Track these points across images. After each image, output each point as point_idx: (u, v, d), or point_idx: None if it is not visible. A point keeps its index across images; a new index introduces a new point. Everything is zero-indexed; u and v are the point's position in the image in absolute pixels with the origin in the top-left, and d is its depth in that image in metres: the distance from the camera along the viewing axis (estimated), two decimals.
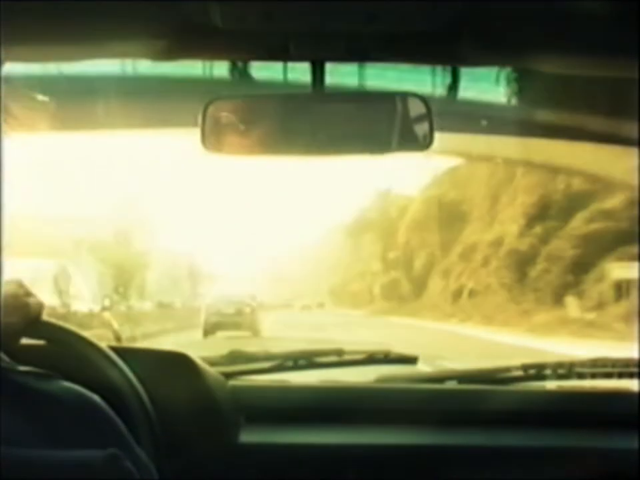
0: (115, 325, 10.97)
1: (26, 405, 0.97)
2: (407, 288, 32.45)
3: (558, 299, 21.49)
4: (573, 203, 22.90)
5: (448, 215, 30.28)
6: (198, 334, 16.91)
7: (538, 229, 23.94)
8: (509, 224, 25.79)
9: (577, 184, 21.98)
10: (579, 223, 22.58)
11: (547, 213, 24.02)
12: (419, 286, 31.51)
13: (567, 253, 22.30)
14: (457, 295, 27.29)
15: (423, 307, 29.08)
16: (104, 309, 11.09)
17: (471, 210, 30.42)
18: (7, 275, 1.08)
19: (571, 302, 20.92)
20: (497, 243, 25.72)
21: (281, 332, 16.59)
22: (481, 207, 29.44)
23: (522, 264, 23.53)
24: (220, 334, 16.98)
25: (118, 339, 10.51)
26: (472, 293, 26.22)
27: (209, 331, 17.34)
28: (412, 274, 32.24)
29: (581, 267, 21.62)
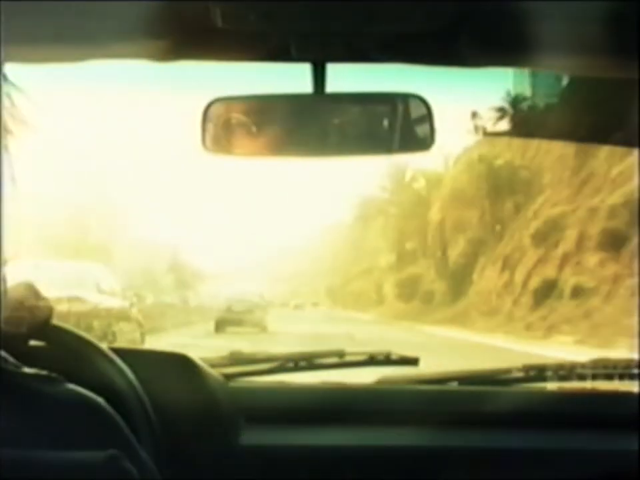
0: (140, 319, 12.84)
1: (29, 406, 0.97)
2: (439, 284, 24.19)
3: None
4: None
5: (502, 182, 21.66)
6: (210, 328, 18.53)
7: None
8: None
9: None
10: None
11: None
12: (458, 281, 22.48)
13: None
14: (544, 294, 17.01)
15: (468, 312, 19.88)
16: (131, 305, 12.92)
17: (542, 169, 21.04)
18: (17, 277, 1.08)
19: None
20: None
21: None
22: (561, 164, 19.65)
23: None
24: (230, 329, 18.47)
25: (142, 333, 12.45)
26: (580, 291, 15.59)
27: (219, 326, 18.88)
28: (447, 264, 24.20)
29: None
